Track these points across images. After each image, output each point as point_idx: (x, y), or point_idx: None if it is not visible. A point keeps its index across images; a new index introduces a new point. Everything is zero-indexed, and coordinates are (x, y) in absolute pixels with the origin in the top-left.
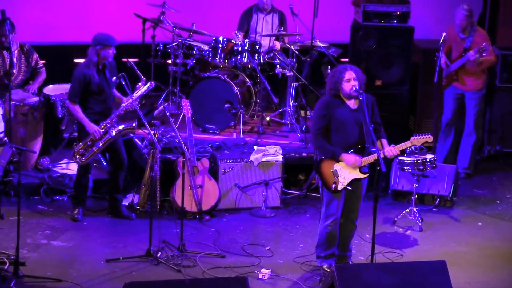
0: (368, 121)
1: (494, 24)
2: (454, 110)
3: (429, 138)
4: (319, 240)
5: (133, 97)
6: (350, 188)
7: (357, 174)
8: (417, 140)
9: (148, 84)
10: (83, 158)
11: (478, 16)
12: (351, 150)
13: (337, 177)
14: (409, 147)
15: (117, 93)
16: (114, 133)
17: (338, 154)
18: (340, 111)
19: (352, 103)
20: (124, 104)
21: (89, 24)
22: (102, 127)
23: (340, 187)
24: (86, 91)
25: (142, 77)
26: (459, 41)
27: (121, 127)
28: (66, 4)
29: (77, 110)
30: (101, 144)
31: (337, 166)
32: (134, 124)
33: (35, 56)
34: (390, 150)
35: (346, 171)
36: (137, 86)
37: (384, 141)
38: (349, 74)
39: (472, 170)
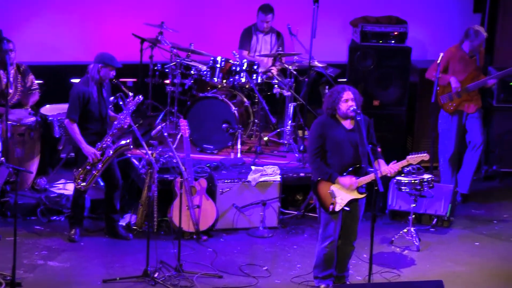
0: (366, 142)
1: (492, 46)
2: (459, 138)
3: (425, 156)
4: (316, 261)
5: (123, 115)
6: (348, 209)
7: (355, 195)
8: (414, 159)
9: (137, 98)
10: (85, 183)
11: None
12: (348, 171)
13: (334, 198)
14: (406, 166)
15: (112, 113)
16: (111, 152)
17: (334, 177)
18: (336, 132)
19: (348, 124)
20: (115, 122)
21: (87, 44)
22: (99, 148)
23: (337, 208)
24: (84, 109)
25: (130, 93)
26: (467, 60)
27: (120, 143)
28: (64, 24)
29: (76, 130)
30: (100, 166)
31: (334, 187)
32: (128, 140)
33: (31, 77)
34: (392, 168)
35: (343, 192)
36: (126, 101)
37: (382, 161)
38: (347, 95)
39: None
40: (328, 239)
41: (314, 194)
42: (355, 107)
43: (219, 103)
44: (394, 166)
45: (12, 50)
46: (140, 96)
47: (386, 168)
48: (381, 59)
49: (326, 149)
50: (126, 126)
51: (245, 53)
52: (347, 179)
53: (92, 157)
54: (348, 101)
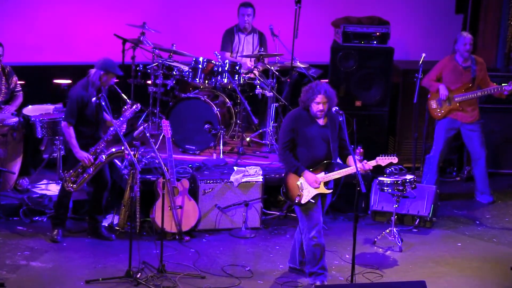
0: (347, 139)
1: (474, 48)
2: (446, 142)
3: (393, 159)
4: (307, 256)
5: (120, 121)
6: (313, 201)
7: (322, 190)
8: (382, 160)
9: (134, 107)
10: (75, 185)
11: None
12: (318, 165)
13: (301, 190)
14: (375, 166)
15: (108, 117)
16: (104, 158)
17: (301, 170)
18: (309, 127)
19: (321, 119)
20: (111, 129)
21: (69, 44)
22: (92, 152)
23: (303, 201)
24: (81, 113)
25: (128, 100)
26: (461, 70)
27: (112, 150)
28: (46, 24)
29: (71, 134)
30: (92, 170)
31: (303, 179)
32: (122, 148)
33: (15, 79)
34: (362, 166)
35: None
36: (123, 109)
37: (351, 158)
38: (321, 99)
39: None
40: (314, 228)
41: (283, 184)
42: (325, 111)
43: (201, 103)
44: (366, 165)
45: (1, 55)
46: (138, 105)
47: (357, 165)
48: (363, 60)
49: (298, 143)
50: (121, 134)
51: (227, 54)
52: (312, 176)
53: (86, 162)
54: (319, 104)
